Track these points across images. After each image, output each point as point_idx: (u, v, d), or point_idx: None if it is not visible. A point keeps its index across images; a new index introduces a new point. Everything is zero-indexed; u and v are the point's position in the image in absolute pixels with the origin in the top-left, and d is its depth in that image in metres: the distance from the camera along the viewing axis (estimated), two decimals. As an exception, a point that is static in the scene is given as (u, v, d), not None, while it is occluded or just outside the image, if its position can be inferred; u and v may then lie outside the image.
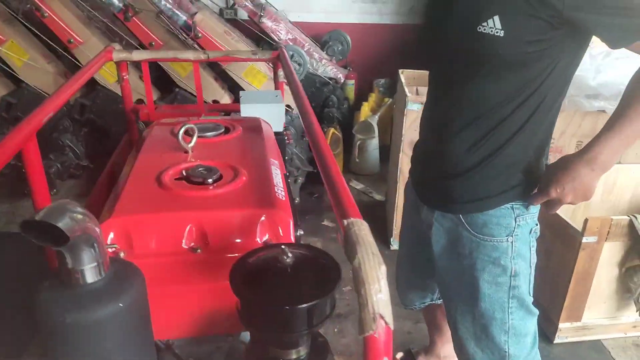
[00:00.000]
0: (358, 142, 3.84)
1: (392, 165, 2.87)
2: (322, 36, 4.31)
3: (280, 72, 2.24)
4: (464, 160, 1.26)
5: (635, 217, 1.96)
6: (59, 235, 0.76)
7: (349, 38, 4.28)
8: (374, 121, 3.70)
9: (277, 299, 0.81)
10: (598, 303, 2.15)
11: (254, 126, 1.59)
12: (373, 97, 4.28)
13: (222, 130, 1.51)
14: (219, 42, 3.29)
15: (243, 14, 4.20)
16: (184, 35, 3.36)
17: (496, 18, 1.12)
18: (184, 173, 1.23)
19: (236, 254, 1.07)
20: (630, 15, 1.06)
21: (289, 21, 4.16)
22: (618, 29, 1.08)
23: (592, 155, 1.13)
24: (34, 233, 0.77)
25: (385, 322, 0.71)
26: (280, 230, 1.10)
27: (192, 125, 1.35)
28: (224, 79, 3.65)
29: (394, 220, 2.81)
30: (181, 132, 1.32)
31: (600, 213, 2.52)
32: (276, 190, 1.20)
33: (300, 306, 0.79)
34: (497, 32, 1.11)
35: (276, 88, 2.33)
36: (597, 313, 2.18)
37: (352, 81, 4.41)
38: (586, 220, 1.92)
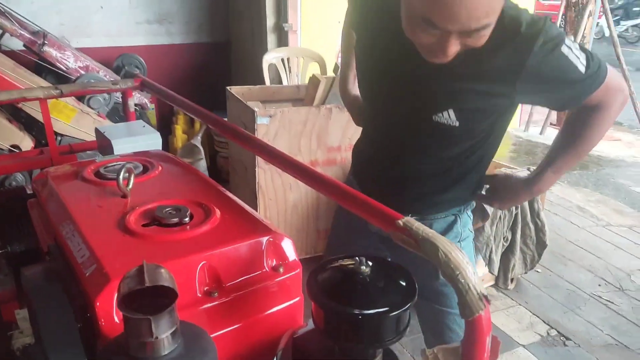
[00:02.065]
0: (184, 167, 3.73)
1: (244, 181, 2.87)
2: (113, 62, 4.05)
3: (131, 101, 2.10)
4: (420, 193, 1.39)
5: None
6: (166, 298, 0.67)
7: (143, 61, 4.11)
8: (198, 142, 3.64)
9: (368, 308, 0.82)
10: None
11: (168, 159, 1.49)
12: (182, 119, 4.18)
13: (142, 168, 1.39)
14: (13, 77, 2.88)
15: (15, 43, 3.71)
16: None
17: (451, 111, 1.19)
18: (151, 217, 1.12)
19: (253, 287, 1.04)
20: (574, 86, 1.17)
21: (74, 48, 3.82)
22: (566, 98, 1.22)
23: (537, 188, 1.36)
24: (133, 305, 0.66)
25: (488, 300, 0.79)
26: (286, 252, 1.09)
27: (131, 165, 1.23)
28: (17, 119, 3.20)
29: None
30: (122, 174, 1.20)
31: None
32: (255, 215, 1.17)
33: (393, 313, 0.82)
34: (452, 123, 1.19)
35: (128, 118, 2.16)
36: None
37: (152, 105, 4.24)
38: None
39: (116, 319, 0.91)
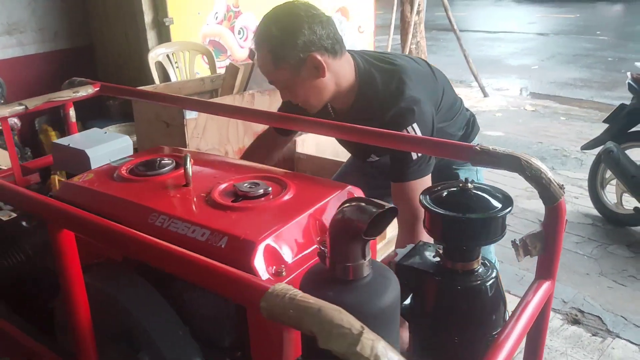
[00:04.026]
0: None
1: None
2: (-35, 85, 3.68)
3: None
4: None
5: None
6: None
7: (0, 79, 3.78)
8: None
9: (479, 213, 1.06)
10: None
11: (187, 152, 1.56)
12: (54, 136, 3.93)
13: (173, 164, 1.44)
14: None
15: None
16: None
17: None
18: (233, 194, 1.23)
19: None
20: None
21: None
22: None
23: None
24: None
25: (564, 188, 1.09)
26: (361, 200, 1.28)
27: (188, 155, 1.31)
28: None
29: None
30: (188, 164, 1.28)
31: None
32: (318, 178, 1.34)
33: (499, 214, 1.06)
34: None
35: (70, 131, 2.09)
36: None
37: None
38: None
39: (268, 274, 1.04)
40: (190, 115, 2.63)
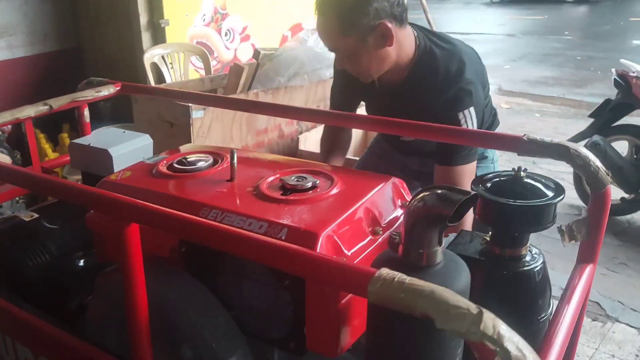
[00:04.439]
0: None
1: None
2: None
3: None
4: None
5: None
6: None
7: (-12, 82, 3.70)
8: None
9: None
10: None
11: (219, 149, 1.55)
12: (42, 138, 3.84)
13: (211, 160, 1.44)
14: None
15: None
16: None
17: None
18: (281, 187, 1.24)
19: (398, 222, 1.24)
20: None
21: None
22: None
23: None
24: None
25: (610, 175, 1.14)
26: (403, 191, 1.31)
27: (234, 150, 1.31)
28: None
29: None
30: (235, 159, 1.29)
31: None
32: (361, 171, 1.36)
33: (552, 201, 1.09)
34: None
35: (84, 132, 2.06)
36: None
37: None
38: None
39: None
40: (196, 114, 2.62)
